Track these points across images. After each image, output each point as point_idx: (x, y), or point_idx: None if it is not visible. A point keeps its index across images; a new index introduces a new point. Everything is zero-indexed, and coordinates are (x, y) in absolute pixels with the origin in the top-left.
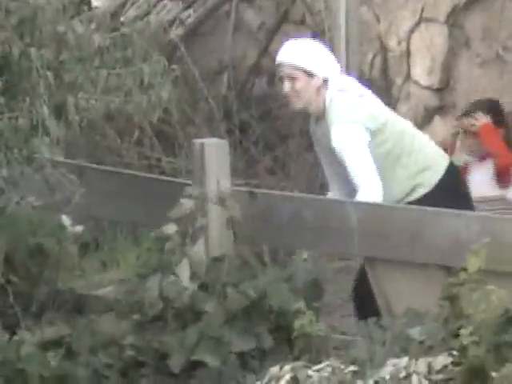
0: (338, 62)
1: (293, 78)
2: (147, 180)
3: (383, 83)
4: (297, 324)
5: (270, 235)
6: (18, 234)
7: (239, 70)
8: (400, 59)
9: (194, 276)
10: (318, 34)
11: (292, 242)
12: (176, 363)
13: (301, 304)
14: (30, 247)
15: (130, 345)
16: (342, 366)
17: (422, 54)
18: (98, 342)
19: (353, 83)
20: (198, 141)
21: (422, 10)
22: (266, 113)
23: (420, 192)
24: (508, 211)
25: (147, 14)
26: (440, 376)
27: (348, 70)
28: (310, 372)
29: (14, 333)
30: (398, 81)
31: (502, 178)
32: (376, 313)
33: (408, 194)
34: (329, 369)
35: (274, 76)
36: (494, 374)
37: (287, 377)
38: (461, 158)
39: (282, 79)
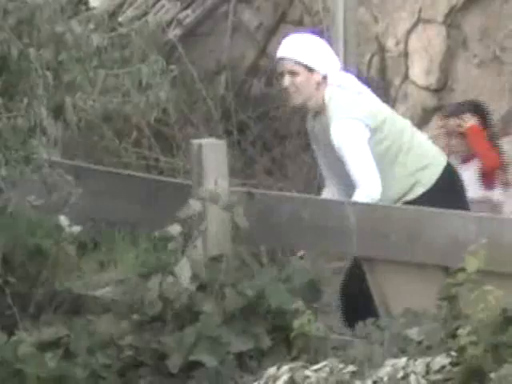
0: (338, 55)
1: (293, 73)
2: (145, 180)
3: (381, 83)
4: (296, 323)
5: (268, 235)
6: (16, 235)
7: (237, 70)
8: (398, 60)
9: (194, 276)
10: (317, 31)
11: (290, 243)
12: (174, 363)
13: (300, 304)
14: (28, 248)
15: (128, 345)
16: (341, 366)
17: (419, 54)
18: (96, 342)
19: (352, 80)
20: (195, 141)
21: (420, 11)
22: (264, 113)
23: (418, 191)
24: (493, 213)
25: (145, 14)
26: (438, 376)
27: (346, 70)
28: (307, 372)
29: (11, 333)
30: (396, 81)
31: (487, 179)
32: (362, 314)
33: (406, 193)
34: (327, 369)
35: (272, 76)
36: (492, 375)
37: (285, 377)
38: None
39: (282, 74)
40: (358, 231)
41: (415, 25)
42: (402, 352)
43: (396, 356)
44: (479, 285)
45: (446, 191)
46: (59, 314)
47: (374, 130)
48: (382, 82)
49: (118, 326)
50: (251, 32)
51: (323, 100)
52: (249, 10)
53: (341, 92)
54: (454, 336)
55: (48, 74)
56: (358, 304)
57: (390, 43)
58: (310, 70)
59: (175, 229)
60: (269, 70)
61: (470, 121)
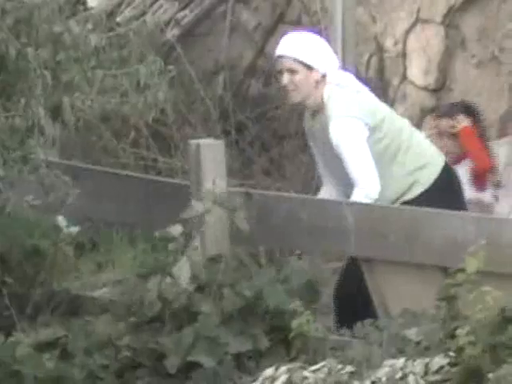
0: (337, 55)
1: (292, 71)
2: (143, 181)
3: (379, 84)
4: (294, 323)
5: (266, 236)
6: (14, 235)
7: (235, 70)
8: (396, 60)
9: (193, 277)
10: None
11: (288, 243)
12: (172, 364)
13: (297, 304)
14: (25, 248)
15: (125, 346)
16: (339, 367)
17: (418, 54)
18: (94, 343)
19: (350, 79)
20: (193, 141)
21: (418, 11)
22: (262, 113)
23: (417, 190)
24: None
25: (143, 14)
26: (437, 377)
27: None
28: (306, 373)
29: (9, 334)
30: (395, 81)
31: (478, 181)
32: (358, 314)
33: (405, 192)
34: (325, 369)
35: (270, 77)
36: (490, 375)
37: (283, 378)
38: None
39: (281, 72)
40: (357, 231)
41: (413, 25)
42: (401, 352)
43: (394, 356)
44: (478, 285)
45: (445, 191)
46: (57, 315)
47: (372, 129)
48: (381, 82)
49: (115, 327)
50: (249, 32)
51: (322, 98)
52: (247, 10)
53: (340, 90)
54: (452, 336)
55: (46, 73)
56: (353, 305)
57: (388, 43)
58: (309, 68)
59: (176, 229)
60: (267, 70)
61: (463, 122)
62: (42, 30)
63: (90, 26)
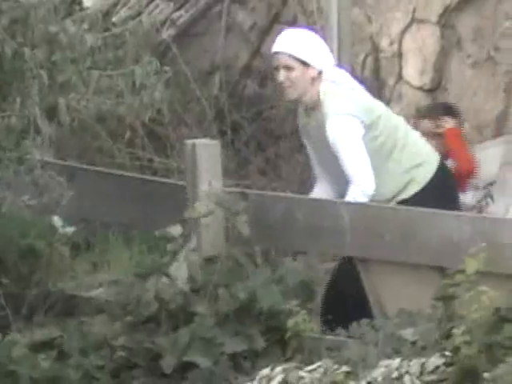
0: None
1: (288, 68)
2: (139, 181)
3: (375, 83)
4: (290, 323)
5: (262, 236)
6: (10, 235)
7: (231, 70)
8: (392, 60)
9: (190, 278)
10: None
11: (284, 243)
12: (168, 364)
13: (293, 304)
14: (21, 248)
15: (121, 346)
16: (335, 367)
17: (413, 54)
18: (90, 343)
19: (346, 76)
20: (189, 141)
21: (414, 11)
22: (258, 113)
23: (413, 189)
24: None
25: (139, 14)
26: (432, 377)
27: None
28: (301, 373)
29: (4, 334)
30: (390, 81)
31: (460, 182)
32: (344, 315)
33: (401, 191)
34: (321, 370)
35: (265, 77)
36: (485, 375)
37: (279, 378)
38: None
39: (277, 68)
40: (352, 231)
41: (409, 25)
42: (396, 353)
43: (390, 357)
44: (474, 285)
45: (440, 190)
46: (52, 315)
47: (368, 126)
48: (376, 82)
49: (111, 327)
50: (245, 32)
51: (318, 95)
52: (242, 10)
53: (336, 88)
54: (448, 336)
55: (42, 73)
56: (343, 305)
57: (384, 43)
58: (306, 64)
59: (176, 229)
60: (263, 71)
61: (448, 123)
62: (37, 30)
63: (85, 26)
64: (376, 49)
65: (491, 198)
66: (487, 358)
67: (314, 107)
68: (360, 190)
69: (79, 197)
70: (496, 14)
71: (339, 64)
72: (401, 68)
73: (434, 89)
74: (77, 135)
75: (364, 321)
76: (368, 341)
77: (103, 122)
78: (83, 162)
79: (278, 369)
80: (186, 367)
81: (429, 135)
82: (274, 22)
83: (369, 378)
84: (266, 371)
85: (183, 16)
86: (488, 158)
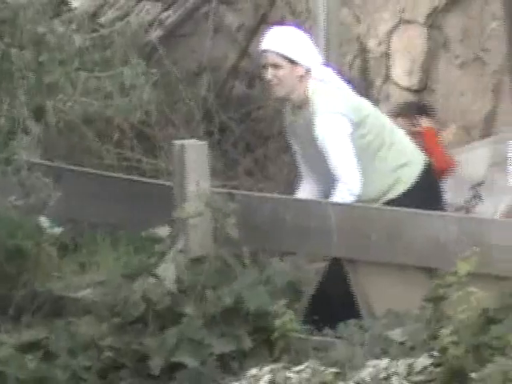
0: (320, 53)
1: (276, 66)
2: (127, 181)
3: (363, 84)
4: (278, 323)
5: (249, 236)
6: None
7: (219, 71)
8: (380, 60)
9: (178, 279)
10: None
11: (272, 243)
12: (156, 365)
13: (280, 304)
14: (8, 249)
15: (108, 346)
16: (322, 368)
17: (401, 55)
18: (77, 344)
19: (333, 75)
20: (177, 142)
21: (402, 12)
22: (246, 114)
23: (399, 189)
24: None
25: (126, 15)
26: (420, 377)
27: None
28: (289, 373)
29: None
30: (378, 82)
31: None
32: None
33: (388, 190)
34: (309, 370)
35: (253, 77)
36: (473, 375)
37: (266, 378)
38: None
39: (265, 66)
40: (339, 232)
41: (397, 26)
42: (384, 353)
43: (378, 357)
44: (463, 286)
45: (426, 190)
46: (40, 316)
47: (356, 125)
48: (364, 82)
49: (98, 328)
50: (232, 33)
51: (306, 93)
52: (230, 11)
53: (324, 86)
54: (436, 337)
55: (29, 74)
56: (333, 305)
57: (371, 44)
58: (293, 62)
59: (164, 230)
60: (250, 71)
61: (424, 122)
62: (25, 30)
63: (74, 26)
64: (364, 49)
65: (479, 198)
66: (475, 358)
67: (302, 105)
68: (347, 189)
69: (67, 197)
70: (483, 15)
71: (327, 64)
72: (388, 68)
73: (421, 89)
74: (64, 136)
75: (351, 321)
76: (355, 341)
77: (91, 123)
78: (71, 162)
79: (266, 369)
80: (173, 368)
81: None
82: (262, 23)
83: (356, 379)
84: (253, 371)
85: (171, 16)
86: (476, 158)
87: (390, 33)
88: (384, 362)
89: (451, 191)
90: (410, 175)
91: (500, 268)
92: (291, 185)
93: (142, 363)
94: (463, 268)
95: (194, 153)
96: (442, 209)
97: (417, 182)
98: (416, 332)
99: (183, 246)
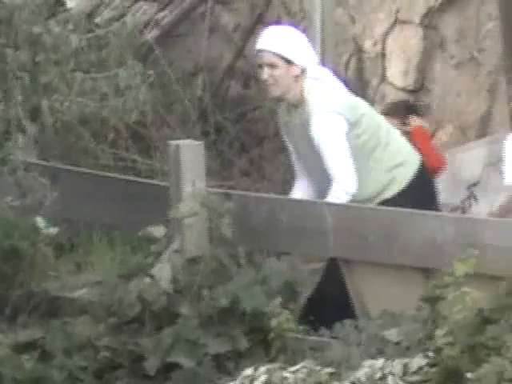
0: (315, 52)
1: (272, 66)
2: (122, 182)
3: (358, 84)
4: (274, 323)
5: (245, 237)
6: None
7: (214, 71)
8: (375, 60)
9: (174, 279)
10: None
11: (268, 244)
12: (152, 365)
13: (276, 304)
14: (4, 249)
15: (105, 346)
16: (318, 368)
17: (397, 55)
18: (73, 344)
19: (328, 75)
20: (173, 142)
21: (397, 12)
22: (242, 115)
23: (394, 189)
24: None
25: (122, 15)
26: (416, 377)
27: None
28: (285, 373)
29: None
30: (374, 82)
31: None
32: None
33: (383, 190)
34: (305, 370)
35: (249, 77)
36: (468, 375)
37: (262, 378)
38: None
39: (261, 66)
40: (335, 232)
41: (392, 26)
42: (380, 353)
43: (374, 357)
44: (459, 287)
45: (421, 190)
46: (36, 316)
47: (352, 124)
48: (360, 82)
49: (95, 328)
50: (228, 33)
51: (302, 93)
52: (226, 11)
53: (320, 85)
54: (431, 337)
55: (24, 75)
56: (329, 305)
57: (367, 44)
58: (289, 62)
59: (159, 230)
60: (246, 72)
61: (415, 121)
62: (21, 31)
63: (69, 26)
64: (359, 49)
65: (475, 198)
66: (470, 358)
67: (298, 105)
68: (342, 189)
69: (63, 197)
70: (479, 15)
71: (323, 65)
72: (384, 69)
73: (417, 89)
74: (60, 136)
75: (347, 321)
76: (351, 341)
77: (87, 123)
78: (67, 162)
79: (262, 369)
80: (169, 368)
81: None
82: (258, 23)
83: (352, 378)
84: (249, 371)
85: (167, 17)
86: (472, 158)
87: (386, 33)
88: (380, 362)
89: (447, 191)
90: (404, 175)
91: (496, 268)
92: (287, 185)
93: (138, 363)
94: (460, 269)
95: (190, 153)
96: (436, 209)
97: (412, 182)
98: (412, 332)
99: (179, 246)
